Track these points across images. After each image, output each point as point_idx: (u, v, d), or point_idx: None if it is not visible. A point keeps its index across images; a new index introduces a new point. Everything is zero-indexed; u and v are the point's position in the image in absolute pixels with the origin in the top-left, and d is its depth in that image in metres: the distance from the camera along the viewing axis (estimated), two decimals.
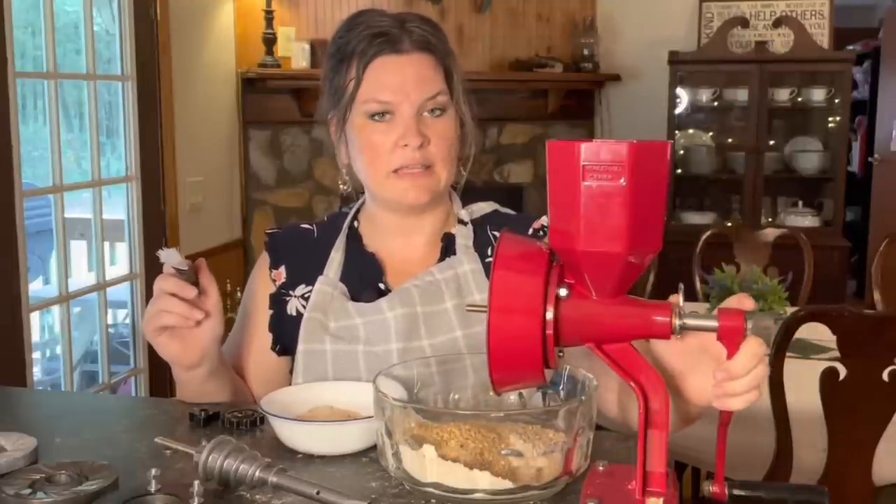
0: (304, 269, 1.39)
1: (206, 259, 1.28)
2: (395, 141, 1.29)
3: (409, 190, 1.31)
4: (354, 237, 1.41)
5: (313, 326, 1.33)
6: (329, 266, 1.38)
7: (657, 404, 0.86)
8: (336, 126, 1.36)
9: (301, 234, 1.44)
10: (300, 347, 1.33)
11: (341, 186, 1.42)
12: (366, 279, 1.37)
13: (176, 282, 1.21)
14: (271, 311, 1.40)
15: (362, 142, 1.31)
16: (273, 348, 1.39)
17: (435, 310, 1.31)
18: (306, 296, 1.37)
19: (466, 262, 1.34)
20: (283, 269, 1.41)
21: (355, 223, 1.43)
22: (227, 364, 1.35)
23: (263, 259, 1.44)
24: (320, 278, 1.37)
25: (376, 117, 1.30)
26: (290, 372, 1.39)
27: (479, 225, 1.40)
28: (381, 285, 1.36)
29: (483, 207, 1.43)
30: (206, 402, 1.29)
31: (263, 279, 1.42)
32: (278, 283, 1.40)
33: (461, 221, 1.40)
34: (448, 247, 1.38)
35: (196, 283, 1.24)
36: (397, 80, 1.28)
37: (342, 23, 1.36)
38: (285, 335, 1.38)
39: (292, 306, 1.38)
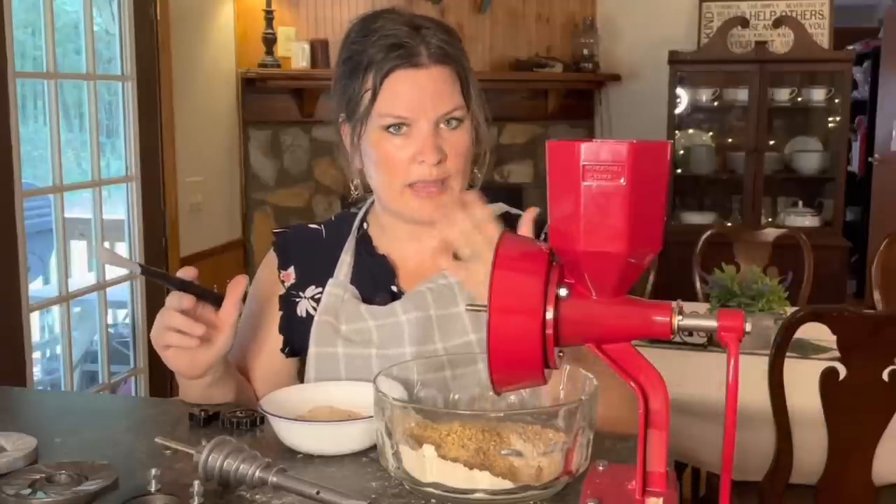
0: (314, 271, 1.38)
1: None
2: (411, 155, 1.27)
3: (424, 207, 1.30)
4: (364, 239, 1.40)
5: (325, 329, 1.32)
6: (339, 268, 1.37)
7: (657, 404, 0.86)
8: (350, 134, 1.34)
9: (309, 234, 1.43)
10: (311, 350, 1.32)
11: (353, 192, 1.40)
12: (378, 282, 1.36)
13: (177, 297, 1.20)
14: (281, 313, 1.39)
15: (378, 155, 1.29)
16: (283, 350, 1.39)
17: (449, 313, 1.30)
18: (316, 297, 1.36)
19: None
20: (291, 270, 1.40)
21: (364, 225, 1.42)
22: (233, 369, 1.34)
23: (271, 259, 1.42)
24: (330, 281, 1.36)
25: (392, 129, 1.28)
26: (299, 374, 1.38)
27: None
28: (394, 288, 1.36)
29: (495, 208, 1.42)
30: (208, 403, 1.29)
31: (272, 280, 1.41)
32: (287, 283, 1.39)
33: None
34: None
35: (218, 303, 1.22)
36: (415, 96, 1.26)
37: (355, 24, 1.33)
38: (295, 337, 1.37)
39: (302, 308, 1.37)
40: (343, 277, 1.36)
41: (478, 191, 1.35)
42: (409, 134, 1.27)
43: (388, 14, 1.31)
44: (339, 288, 1.35)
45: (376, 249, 1.39)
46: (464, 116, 1.30)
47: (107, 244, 3.44)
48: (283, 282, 1.40)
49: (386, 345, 1.29)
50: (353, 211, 1.44)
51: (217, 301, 1.23)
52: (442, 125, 1.28)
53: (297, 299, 1.38)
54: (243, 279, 1.24)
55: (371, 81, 1.27)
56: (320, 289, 1.36)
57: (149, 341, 1.27)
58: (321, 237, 1.42)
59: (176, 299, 1.20)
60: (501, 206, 1.44)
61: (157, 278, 1.23)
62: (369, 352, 1.30)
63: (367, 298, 1.35)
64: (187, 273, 1.22)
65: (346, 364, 1.31)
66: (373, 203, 1.42)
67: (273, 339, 1.39)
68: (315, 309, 1.36)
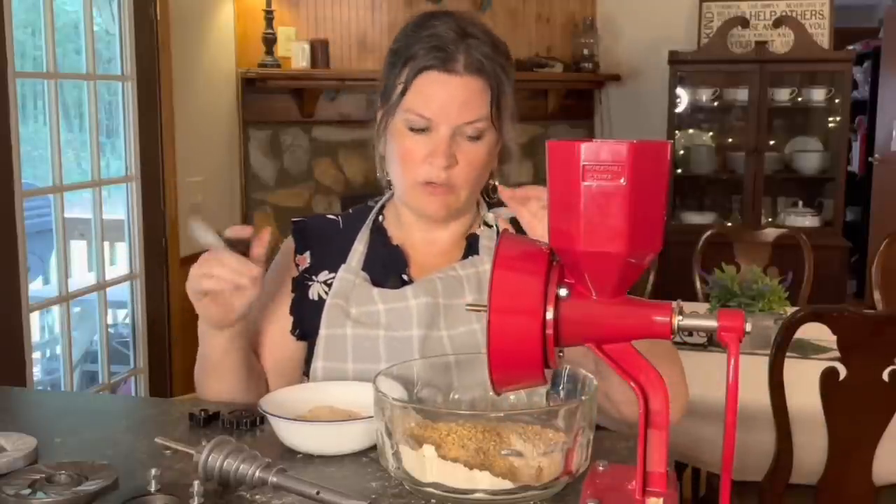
0: (329, 256, 1.42)
1: None
2: (425, 155, 1.32)
3: (430, 204, 1.35)
4: (379, 230, 1.44)
5: (335, 312, 1.35)
6: (352, 255, 1.41)
7: (657, 404, 0.86)
8: (379, 120, 1.39)
9: (326, 223, 1.47)
10: (322, 332, 1.35)
11: (379, 174, 1.44)
12: (389, 269, 1.40)
13: (231, 257, 1.22)
14: (293, 295, 1.41)
15: (399, 146, 1.34)
16: (293, 332, 1.41)
17: (455, 303, 1.33)
18: (329, 282, 1.40)
19: (489, 262, 1.34)
20: (307, 255, 1.43)
21: (380, 217, 1.46)
22: (249, 326, 1.35)
23: (288, 244, 1.46)
24: (343, 266, 1.39)
25: (414, 128, 1.32)
26: (307, 359, 1.39)
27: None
28: (405, 276, 1.39)
29: (507, 211, 1.44)
30: (228, 375, 1.31)
31: (287, 263, 1.44)
32: (302, 267, 1.43)
33: (487, 224, 1.44)
34: (472, 245, 1.42)
35: (246, 252, 1.24)
36: (441, 100, 1.30)
37: (414, 18, 1.37)
38: (306, 319, 1.40)
39: (314, 291, 1.40)
40: (355, 264, 1.40)
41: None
42: (428, 135, 1.32)
43: (445, 16, 1.35)
44: (350, 273, 1.39)
45: (391, 240, 1.43)
46: (485, 130, 1.33)
47: (106, 242, 3.43)
48: (297, 265, 1.43)
49: (394, 327, 1.33)
50: (370, 204, 1.48)
51: (246, 247, 1.25)
52: (463, 135, 1.32)
53: (310, 282, 1.41)
54: (269, 230, 1.27)
55: (405, 76, 1.32)
56: (333, 274, 1.40)
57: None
58: (338, 227, 1.46)
59: (228, 258, 1.22)
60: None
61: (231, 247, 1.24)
62: (377, 333, 1.33)
63: (378, 284, 1.38)
64: (242, 232, 1.25)
65: (353, 345, 1.33)
66: (391, 197, 1.46)
67: (285, 321, 1.41)
68: (326, 293, 1.39)
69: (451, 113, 1.30)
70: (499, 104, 1.35)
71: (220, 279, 1.22)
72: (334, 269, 1.40)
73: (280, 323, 1.41)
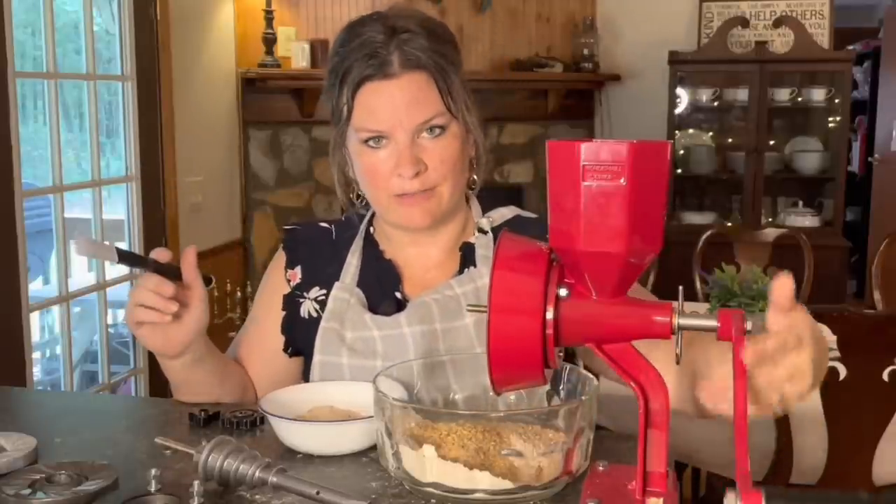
0: (320, 272, 1.37)
1: (206, 259, 1.27)
2: (392, 168, 1.25)
3: (412, 215, 1.27)
4: (371, 242, 1.39)
5: (330, 337, 1.31)
6: (346, 271, 1.36)
7: (657, 404, 0.86)
8: (335, 141, 1.33)
9: (319, 233, 1.41)
10: (316, 358, 1.31)
11: (357, 202, 1.38)
12: (383, 287, 1.34)
13: (156, 279, 1.18)
14: (284, 313, 1.38)
15: (362, 165, 1.28)
16: (285, 350, 1.38)
17: (454, 326, 1.28)
18: (320, 299, 1.35)
19: (487, 274, 1.32)
20: (298, 270, 1.38)
21: (371, 228, 1.40)
22: (217, 352, 1.32)
23: (280, 257, 1.41)
24: (337, 284, 1.34)
25: (371, 143, 1.26)
26: (303, 375, 1.37)
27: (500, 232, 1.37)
28: (398, 294, 1.34)
29: (504, 213, 1.39)
30: (197, 391, 1.29)
31: (279, 279, 1.39)
32: (293, 283, 1.38)
33: (481, 230, 1.36)
34: (467, 256, 1.35)
35: (179, 277, 1.21)
36: (388, 108, 1.23)
37: (341, 32, 1.30)
38: (298, 337, 1.36)
39: (305, 309, 1.36)
40: (349, 280, 1.35)
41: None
42: (388, 146, 1.25)
43: (373, 18, 1.28)
44: (345, 292, 1.33)
45: (383, 254, 1.38)
46: (447, 122, 1.26)
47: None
48: (288, 281, 1.39)
49: (391, 357, 1.27)
50: (362, 212, 1.41)
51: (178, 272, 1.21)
52: (424, 134, 1.25)
53: (301, 300, 1.37)
54: (192, 248, 1.23)
55: (346, 94, 1.26)
56: (324, 290, 1.35)
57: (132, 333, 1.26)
58: (331, 237, 1.41)
59: (152, 281, 1.18)
60: (513, 209, 1.42)
61: (133, 263, 1.22)
62: (374, 364, 1.27)
63: (373, 304, 1.33)
64: (161, 256, 1.21)
65: (351, 375, 1.29)
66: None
67: (276, 340, 1.38)
68: (317, 311, 1.35)
69: (402, 118, 1.23)
70: (451, 93, 1.26)
71: (151, 312, 1.18)
72: (326, 285, 1.35)
73: (271, 342, 1.38)
